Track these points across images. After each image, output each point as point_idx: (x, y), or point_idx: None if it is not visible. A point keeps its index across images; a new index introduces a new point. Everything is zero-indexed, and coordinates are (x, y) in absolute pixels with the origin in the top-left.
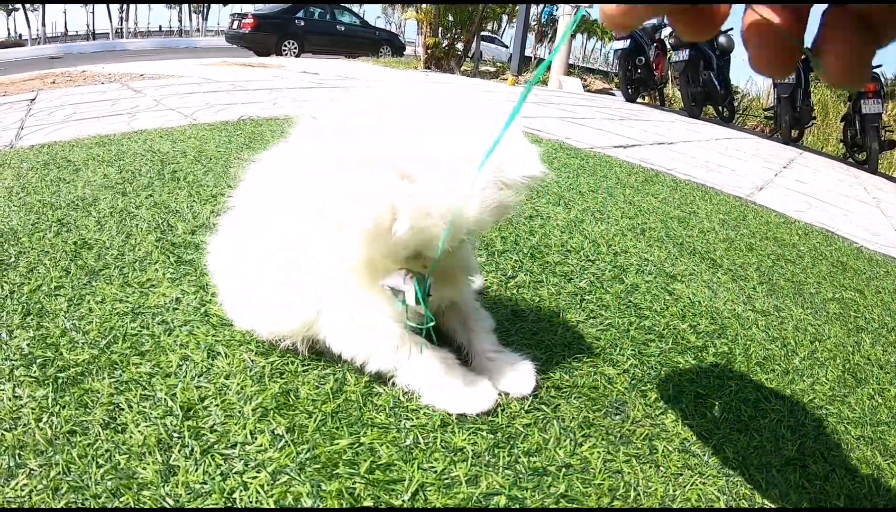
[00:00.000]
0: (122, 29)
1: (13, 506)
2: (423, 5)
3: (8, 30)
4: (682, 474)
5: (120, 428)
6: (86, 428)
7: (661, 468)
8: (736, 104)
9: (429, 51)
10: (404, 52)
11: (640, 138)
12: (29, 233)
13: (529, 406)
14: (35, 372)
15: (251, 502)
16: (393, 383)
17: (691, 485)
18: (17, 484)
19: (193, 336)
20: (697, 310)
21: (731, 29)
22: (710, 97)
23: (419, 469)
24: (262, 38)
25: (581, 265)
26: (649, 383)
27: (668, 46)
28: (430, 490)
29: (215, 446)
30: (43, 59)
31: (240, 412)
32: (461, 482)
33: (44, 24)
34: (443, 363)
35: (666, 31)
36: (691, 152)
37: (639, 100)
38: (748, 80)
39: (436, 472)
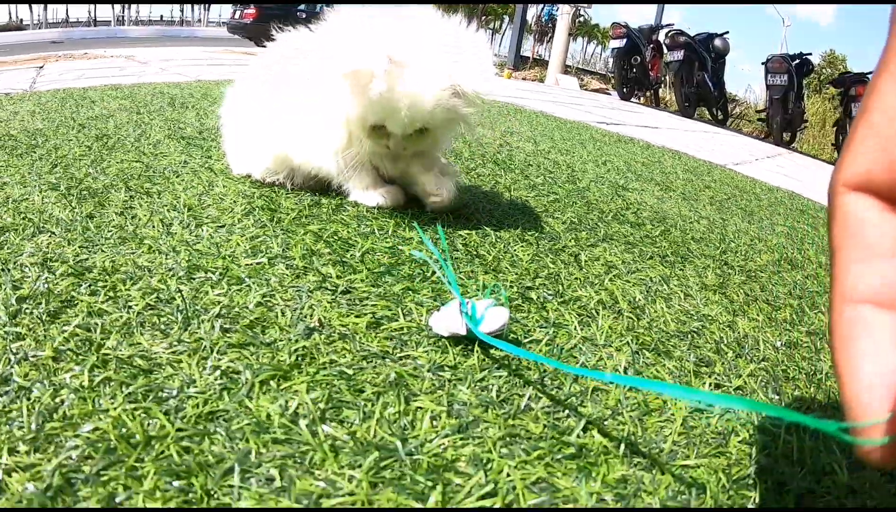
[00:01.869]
0: (123, 17)
1: (41, 253)
2: None
3: (9, 13)
4: (601, 276)
5: (130, 215)
6: (102, 215)
7: (584, 270)
8: (731, 109)
9: None
10: None
11: (625, 121)
12: (54, 131)
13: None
14: (62, 190)
15: (232, 249)
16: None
17: (608, 281)
18: (40, 241)
19: (197, 176)
20: (642, 207)
21: (728, 32)
22: (703, 98)
23: (371, 242)
24: (264, 30)
25: (539, 172)
26: (583, 231)
27: (665, 48)
28: (378, 253)
29: (208, 224)
30: (45, 43)
31: (231, 210)
32: (406, 253)
33: (45, 10)
34: (372, 176)
35: (663, 33)
36: (675, 136)
37: (633, 100)
38: (746, 88)
39: (387, 245)
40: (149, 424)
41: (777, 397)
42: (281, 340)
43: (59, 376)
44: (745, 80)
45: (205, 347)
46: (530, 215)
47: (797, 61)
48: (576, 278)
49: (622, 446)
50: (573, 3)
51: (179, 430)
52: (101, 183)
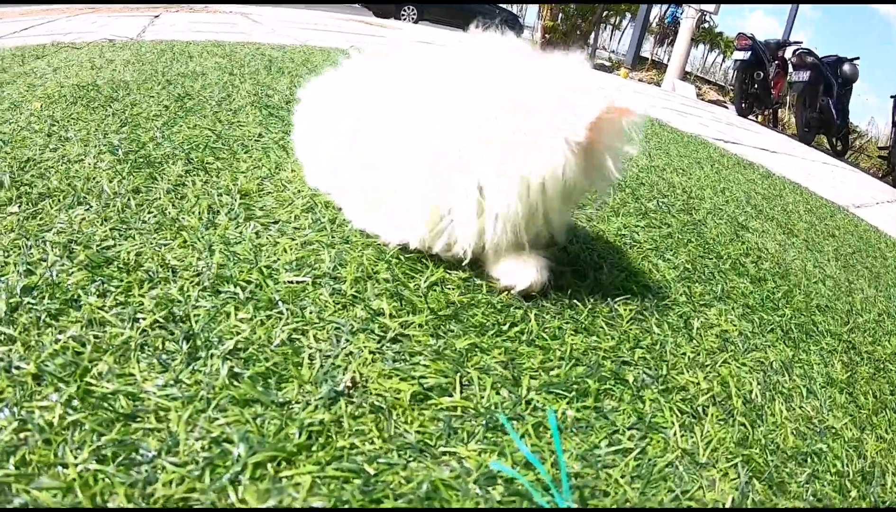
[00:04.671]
0: None
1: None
2: None
3: None
4: (714, 353)
5: (178, 194)
6: (149, 191)
7: (694, 341)
8: (851, 140)
9: (546, 35)
10: (521, 35)
11: (742, 139)
12: (138, 84)
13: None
14: (119, 156)
15: (274, 258)
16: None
17: (722, 363)
18: (74, 214)
19: (266, 154)
20: (763, 254)
21: (858, 58)
22: (825, 125)
23: (443, 270)
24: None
25: (652, 194)
26: (697, 282)
27: (790, 67)
28: (448, 287)
29: (259, 218)
30: None
31: (290, 203)
32: (483, 290)
33: None
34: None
35: (790, 50)
36: (793, 165)
37: (751, 117)
38: (869, 120)
39: (461, 277)
40: (107, 498)
41: None
42: (297, 404)
43: (33, 403)
44: (869, 112)
45: (202, 396)
46: (637, 252)
47: None
48: (683, 354)
49: None
50: (698, 1)
51: None
52: (162, 151)
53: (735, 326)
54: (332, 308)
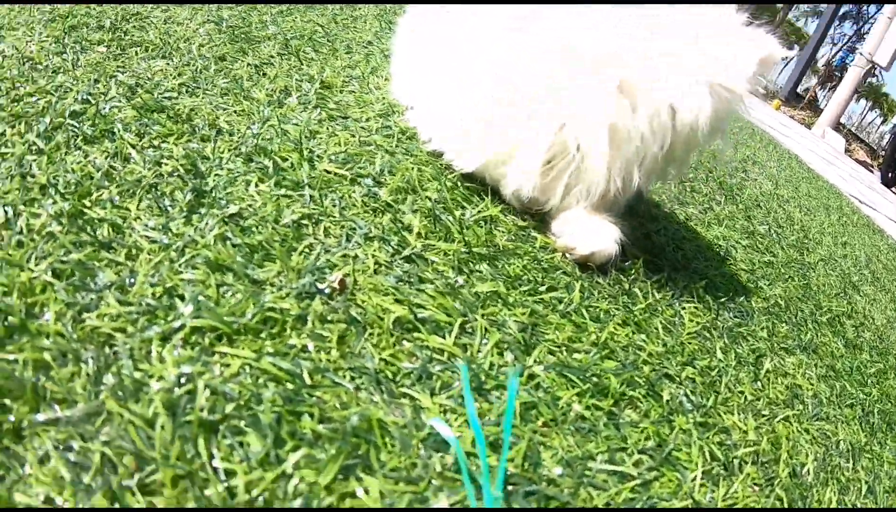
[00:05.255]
0: None
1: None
2: None
3: None
4: (777, 405)
5: (260, 71)
6: (234, 61)
7: (759, 383)
8: None
9: None
10: None
11: (878, 205)
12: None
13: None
14: (222, 28)
15: (327, 144)
16: None
17: (781, 420)
18: (154, 64)
19: (366, 59)
20: (867, 322)
21: None
22: None
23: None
24: None
25: (766, 219)
26: (786, 323)
27: None
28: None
29: (330, 109)
30: None
31: (368, 105)
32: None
33: None
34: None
35: None
36: None
37: (895, 188)
38: None
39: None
40: (38, 311)
41: None
42: (270, 285)
43: (27, 209)
44: None
45: (179, 247)
46: (729, 268)
47: None
48: (741, 392)
49: None
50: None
51: None
52: (265, 32)
53: (812, 384)
54: (357, 208)
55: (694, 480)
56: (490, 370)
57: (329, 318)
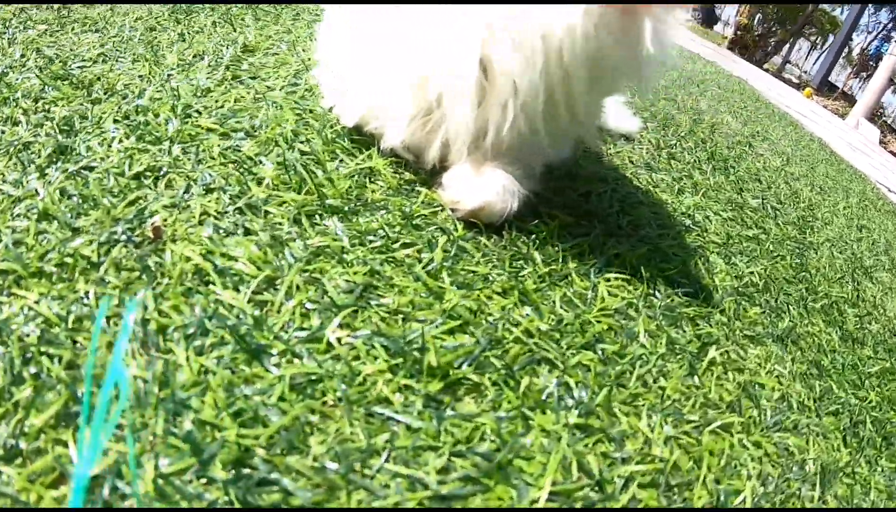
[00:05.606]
0: None
1: None
2: None
3: None
4: (717, 408)
5: (183, 38)
6: (163, 30)
7: (697, 379)
8: None
9: (738, 32)
10: (713, 26)
11: None
12: None
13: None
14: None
15: (215, 100)
16: None
17: (719, 427)
18: (84, 38)
19: (310, 26)
20: (877, 313)
21: None
22: None
23: None
24: None
25: (764, 194)
26: (758, 306)
27: None
28: None
29: (239, 69)
30: None
31: (285, 65)
32: None
33: None
34: None
35: None
36: None
37: None
38: None
39: None
40: None
41: None
42: (83, 234)
43: None
44: None
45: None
46: (693, 240)
47: None
48: (660, 388)
49: None
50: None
51: None
52: (209, 6)
53: (781, 384)
54: (211, 161)
55: (535, 503)
56: (282, 332)
57: (125, 265)
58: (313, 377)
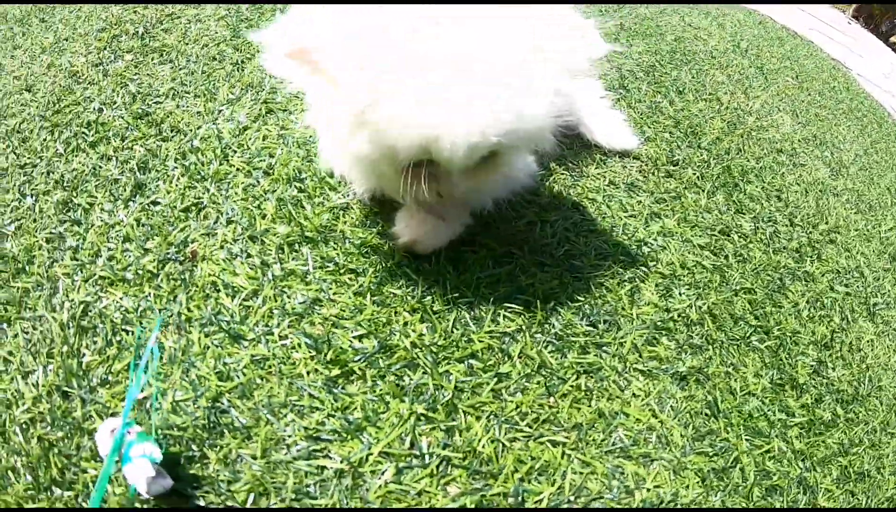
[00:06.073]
0: None
1: None
2: None
3: None
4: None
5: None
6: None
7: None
8: None
9: None
10: None
11: None
12: None
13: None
14: None
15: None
16: None
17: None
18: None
19: None
20: (850, 356)
21: None
22: None
23: None
24: None
25: (769, 216)
26: (676, 341)
27: None
28: None
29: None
30: None
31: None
32: None
33: None
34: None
35: None
36: None
37: None
38: None
39: None
40: None
41: None
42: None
43: None
44: None
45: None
46: (628, 271)
47: None
48: (483, 403)
49: None
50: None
51: None
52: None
53: (653, 416)
54: (235, 196)
55: (370, 456)
56: (254, 327)
57: (173, 276)
58: (265, 356)
